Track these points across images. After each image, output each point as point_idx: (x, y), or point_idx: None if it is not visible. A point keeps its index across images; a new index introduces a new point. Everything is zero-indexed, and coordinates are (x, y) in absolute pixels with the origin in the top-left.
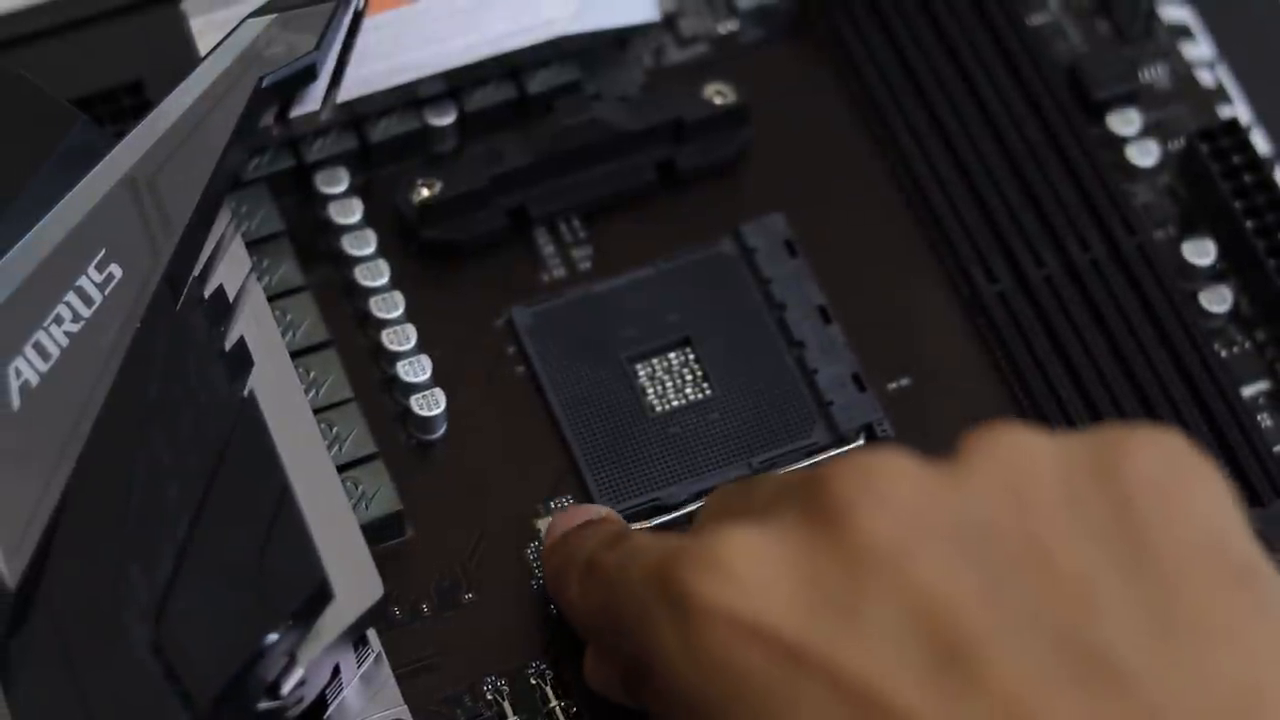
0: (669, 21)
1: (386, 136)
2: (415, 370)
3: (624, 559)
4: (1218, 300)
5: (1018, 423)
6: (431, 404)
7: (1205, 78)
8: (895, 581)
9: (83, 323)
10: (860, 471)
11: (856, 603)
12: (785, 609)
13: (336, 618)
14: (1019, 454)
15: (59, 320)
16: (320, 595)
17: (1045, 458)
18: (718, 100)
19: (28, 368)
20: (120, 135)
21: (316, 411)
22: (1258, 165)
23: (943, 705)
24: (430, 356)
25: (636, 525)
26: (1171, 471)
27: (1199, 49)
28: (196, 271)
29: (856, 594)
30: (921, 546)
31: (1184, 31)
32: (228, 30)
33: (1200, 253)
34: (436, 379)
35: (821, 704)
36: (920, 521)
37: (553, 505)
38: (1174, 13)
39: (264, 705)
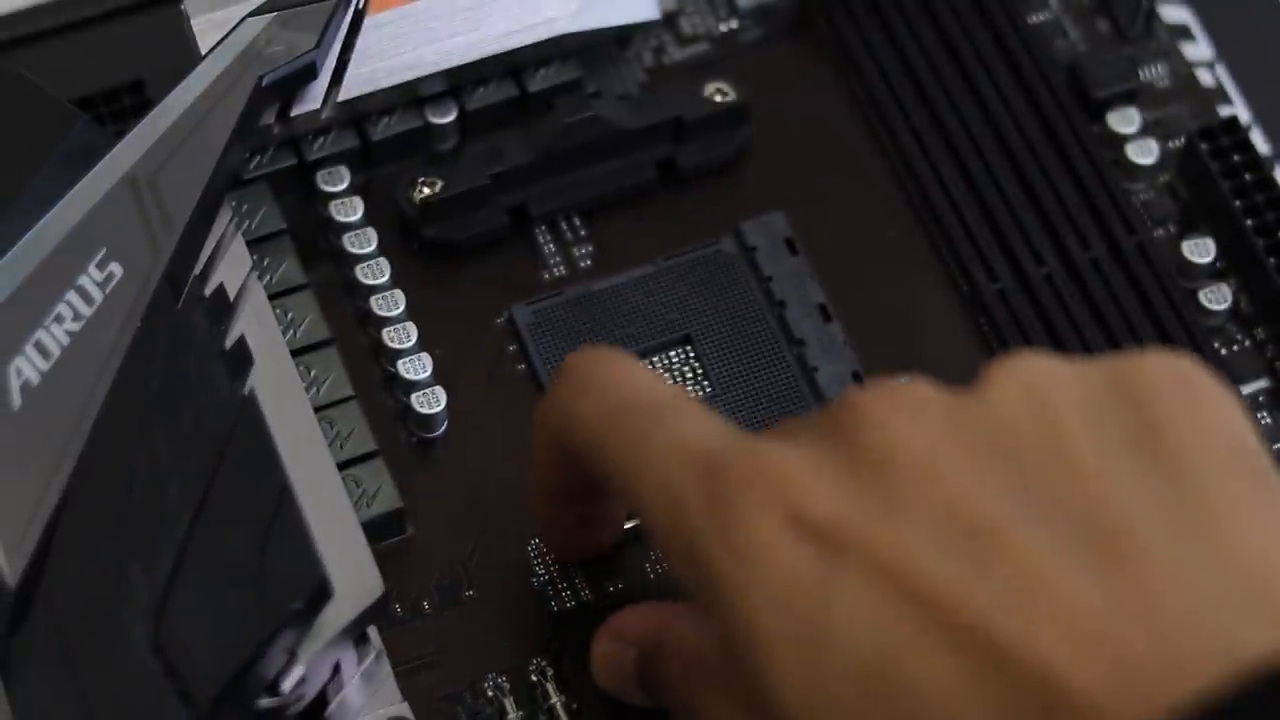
0: (669, 20)
1: (387, 135)
2: (416, 368)
3: (666, 449)
4: (1217, 298)
5: (1038, 350)
6: (432, 402)
7: (1204, 78)
8: (924, 482)
9: (83, 321)
10: (887, 393)
11: (888, 499)
12: (823, 503)
13: (337, 615)
14: (1039, 373)
15: (60, 319)
16: (320, 593)
17: (1066, 374)
18: (718, 99)
19: (28, 367)
20: (121, 135)
21: (317, 410)
22: (1258, 164)
23: (966, 578)
24: (431, 354)
25: (634, 524)
26: (1188, 383)
27: (1198, 49)
28: (197, 270)
29: (888, 492)
30: (949, 453)
31: (1183, 32)
32: (229, 29)
33: (1200, 251)
34: (437, 377)
35: (857, 588)
36: (947, 432)
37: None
38: (1173, 13)
39: (264, 703)
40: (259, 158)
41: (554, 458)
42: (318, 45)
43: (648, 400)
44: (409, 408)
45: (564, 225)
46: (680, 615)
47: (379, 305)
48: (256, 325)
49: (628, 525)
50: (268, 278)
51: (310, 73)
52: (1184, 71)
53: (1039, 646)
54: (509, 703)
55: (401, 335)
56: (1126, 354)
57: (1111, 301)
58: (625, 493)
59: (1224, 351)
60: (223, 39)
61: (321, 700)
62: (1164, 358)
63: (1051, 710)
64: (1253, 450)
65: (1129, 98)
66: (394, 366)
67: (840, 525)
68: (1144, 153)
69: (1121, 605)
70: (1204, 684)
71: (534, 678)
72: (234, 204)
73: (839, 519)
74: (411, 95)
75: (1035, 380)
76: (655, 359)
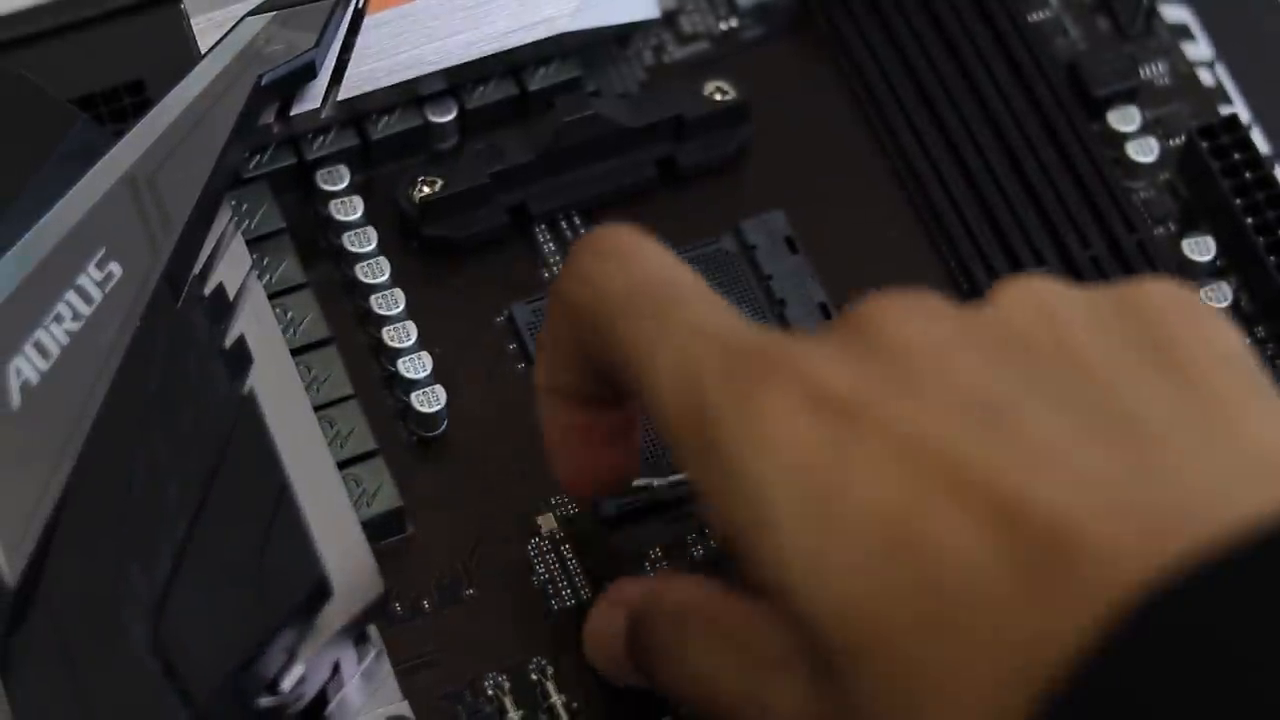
0: (669, 19)
1: (387, 134)
2: (416, 367)
3: (687, 326)
4: (1218, 297)
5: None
6: (432, 401)
7: (1204, 76)
8: (940, 369)
9: (83, 321)
10: (900, 297)
11: (904, 380)
12: (841, 382)
13: (337, 615)
14: (1047, 291)
15: (59, 319)
16: (320, 593)
17: (1072, 293)
18: (718, 97)
19: (28, 366)
20: (121, 135)
21: (317, 409)
22: (1258, 162)
23: (979, 442)
24: (431, 353)
25: (633, 524)
26: (1190, 302)
27: (1198, 49)
28: (197, 269)
29: (904, 376)
30: (961, 348)
31: (1183, 31)
32: (228, 29)
33: (1200, 249)
34: (437, 376)
35: (871, 453)
36: (960, 330)
37: (553, 501)
38: (1173, 12)
39: (264, 702)
40: (259, 157)
41: (567, 336)
42: (317, 44)
43: (672, 279)
44: (409, 407)
45: (564, 224)
46: (675, 575)
47: (379, 304)
48: (256, 325)
49: (624, 505)
50: (267, 277)
51: (310, 72)
52: (1184, 70)
53: (1051, 501)
54: (509, 702)
55: (401, 334)
56: (1127, 280)
57: None
58: (637, 373)
59: None
60: (222, 38)
61: (321, 699)
62: (1165, 282)
63: (1062, 562)
64: (1251, 361)
65: (1129, 96)
66: (394, 365)
67: (856, 399)
68: (1144, 151)
69: (1133, 473)
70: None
71: (534, 677)
72: (233, 203)
73: (855, 395)
74: (411, 94)
75: (1043, 298)
76: None
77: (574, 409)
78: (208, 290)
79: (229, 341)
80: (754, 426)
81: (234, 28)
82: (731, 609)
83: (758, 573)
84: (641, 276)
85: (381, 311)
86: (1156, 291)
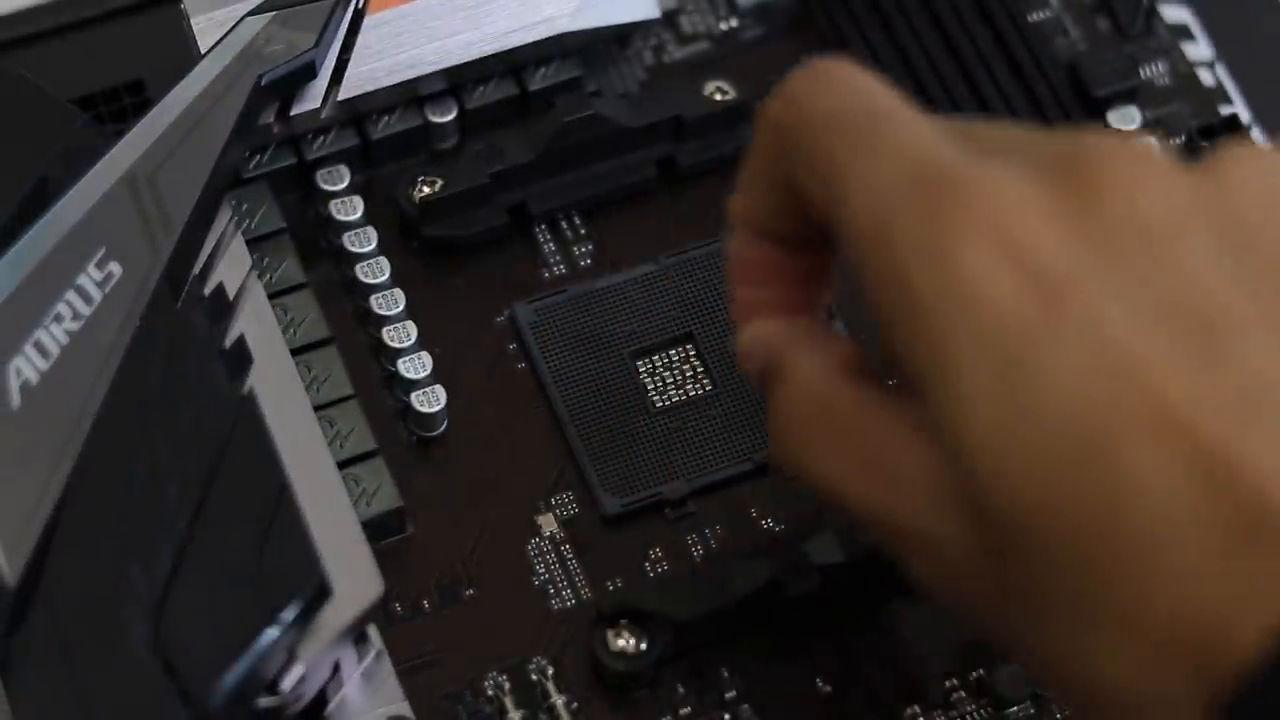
0: (669, 19)
1: (387, 134)
2: (416, 367)
3: (887, 149)
4: None
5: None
6: (432, 401)
7: (1204, 76)
8: (1163, 261)
9: (83, 321)
10: (1133, 152)
11: (1122, 267)
12: (1049, 244)
13: (337, 615)
14: (1274, 164)
15: (59, 319)
16: (319, 593)
17: None
18: (718, 97)
19: (28, 366)
20: (121, 135)
21: (317, 409)
22: None
23: (1193, 373)
24: (431, 353)
25: (634, 524)
26: None
27: (1198, 49)
28: (197, 269)
29: (1123, 260)
30: (1188, 232)
31: (1183, 31)
32: (228, 29)
33: None
34: (437, 376)
35: (1072, 344)
36: (1191, 211)
37: (553, 501)
38: (1173, 12)
39: (264, 702)
40: (259, 157)
41: (769, 161)
42: (317, 44)
43: (882, 103)
44: (409, 406)
45: (564, 224)
46: (809, 339)
47: (379, 304)
48: (256, 324)
49: (620, 510)
50: (267, 277)
51: (310, 72)
52: (1184, 70)
53: (1261, 460)
54: (509, 702)
55: (401, 334)
56: None
57: None
58: (832, 193)
59: None
60: (222, 38)
61: (321, 699)
62: None
63: (1268, 534)
64: None
65: (1129, 96)
66: (394, 365)
67: (1063, 273)
68: None
69: None
70: None
71: (534, 677)
72: (234, 203)
73: (1063, 266)
74: (411, 94)
75: (1270, 172)
76: (657, 357)
77: (762, 243)
78: (208, 290)
79: (229, 341)
80: (948, 274)
81: (234, 28)
82: (868, 419)
83: (930, 412)
84: (850, 98)
85: (381, 311)
86: None
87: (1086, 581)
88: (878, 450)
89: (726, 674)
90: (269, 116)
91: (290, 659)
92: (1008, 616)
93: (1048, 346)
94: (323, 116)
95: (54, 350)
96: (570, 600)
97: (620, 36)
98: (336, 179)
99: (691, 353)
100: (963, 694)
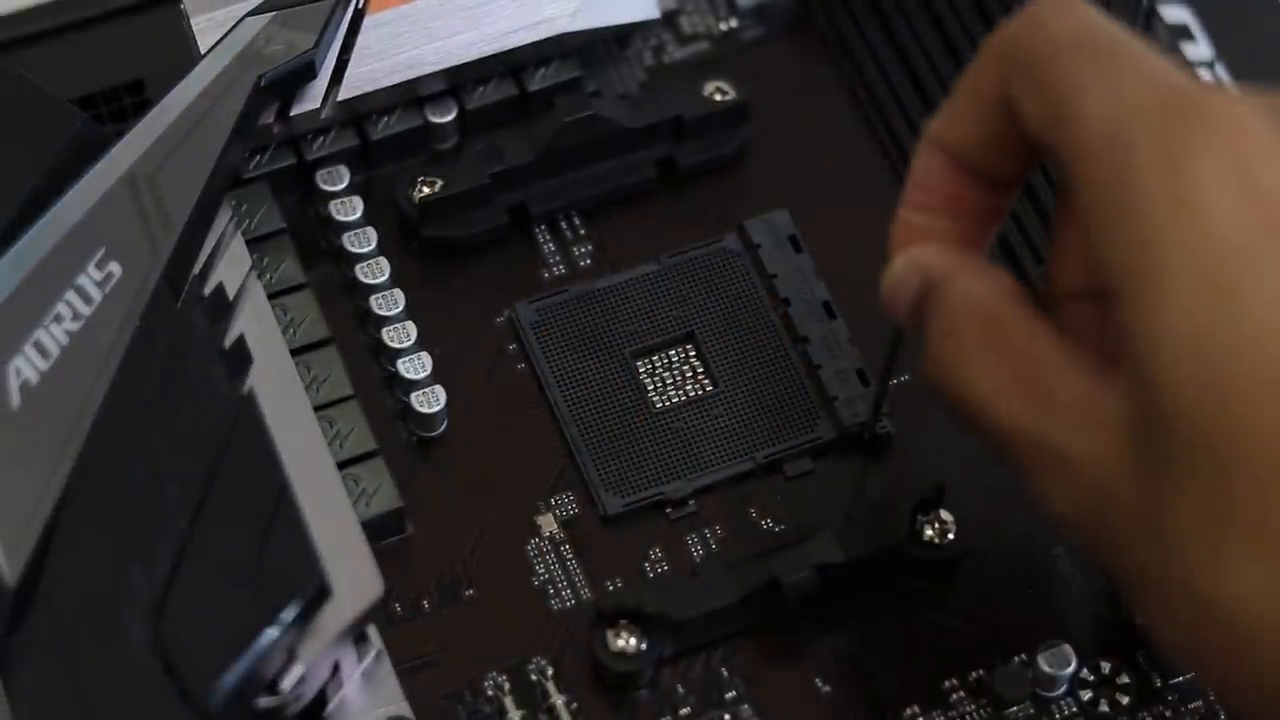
0: (669, 19)
1: (387, 134)
2: (416, 367)
3: (1130, 71)
4: None
5: None
6: (432, 401)
7: (1204, 77)
8: None
9: (82, 321)
10: None
11: None
12: None
13: (336, 615)
14: None
15: (59, 319)
16: (319, 593)
17: None
18: (718, 98)
19: (28, 366)
20: (120, 135)
21: (317, 409)
22: None
23: None
24: (431, 354)
25: (634, 524)
26: None
27: (1198, 49)
28: (196, 269)
29: None
30: None
31: (1183, 32)
32: (228, 29)
33: None
34: (437, 376)
35: None
36: None
37: (553, 501)
38: (1173, 13)
39: (264, 702)
40: (259, 157)
41: (990, 81)
42: (317, 45)
43: (1120, 34)
44: (409, 407)
45: (564, 224)
46: (973, 262)
47: (379, 305)
48: (256, 325)
49: (620, 511)
50: (267, 277)
51: (309, 72)
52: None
53: None
54: (509, 702)
55: (401, 334)
56: None
57: None
58: (1064, 119)
59: None
60: (222, 38)
61: (321, 699)
62: None
63: None
64: None
65: None
66: (394, 366)
67: None
68: None
69: None
70: None
71: (534, 677)
72: (233, 203)
73: None
74: (411, 94)
75: None
76: (658, 356)
77: (949, 169)
78: (208, 290)
79: (229, 341)
80: (1181, 182)
81: (234, 28)
82: (1033, 339)
83: (1125, 315)
84: (1092, 23)
85: (381, 311)
86: None
87: (1249, 502)
88: (1038, 368)
89: (726, 674)
90: (269, 116)
91: (290, 659)
92: (1140, 536)
93: (1264, 273)
94: (323, 117)
95: (54, 350)
96: (570, 600)
97: (620, 37)
98: (336, 179)
99: (692, 353)
100: (963, 694)
